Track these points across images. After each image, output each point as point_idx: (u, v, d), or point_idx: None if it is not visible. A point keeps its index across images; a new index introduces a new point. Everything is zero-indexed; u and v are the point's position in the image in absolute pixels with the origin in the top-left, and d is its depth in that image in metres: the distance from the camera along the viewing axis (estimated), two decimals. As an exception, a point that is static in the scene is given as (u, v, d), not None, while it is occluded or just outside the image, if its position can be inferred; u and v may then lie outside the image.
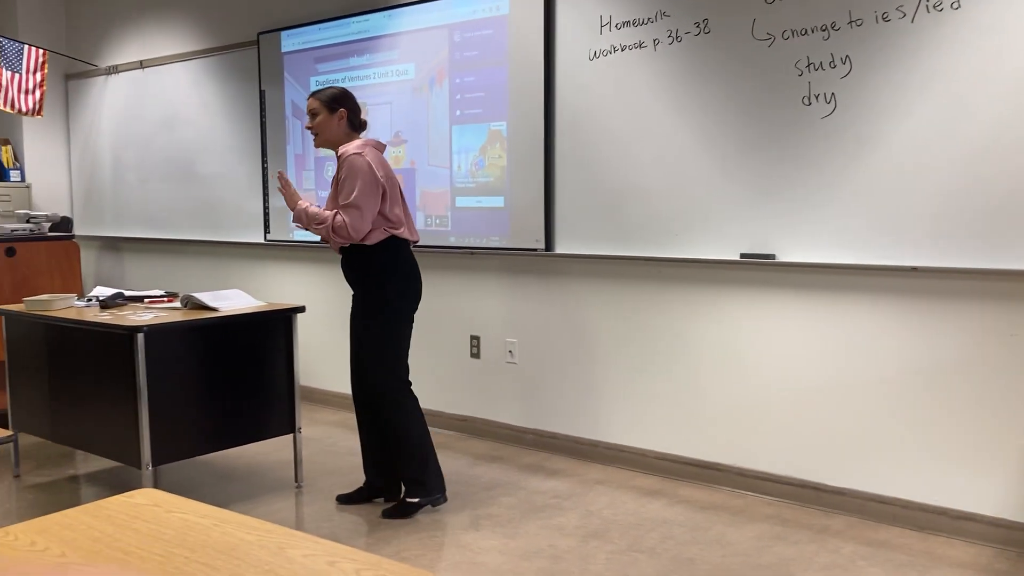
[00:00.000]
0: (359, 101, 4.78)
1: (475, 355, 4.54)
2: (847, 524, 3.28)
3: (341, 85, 4.86)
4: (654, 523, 3.32)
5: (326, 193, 5.00)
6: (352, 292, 3.47)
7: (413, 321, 3.49)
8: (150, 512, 1.40)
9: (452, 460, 4.13)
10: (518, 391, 4.39)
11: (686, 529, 3.26)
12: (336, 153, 3.42)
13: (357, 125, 3.48)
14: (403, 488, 3.49)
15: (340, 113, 3.41)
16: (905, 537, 3.16)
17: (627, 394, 4.00)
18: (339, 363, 5.18)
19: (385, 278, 3.37)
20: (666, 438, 3.89)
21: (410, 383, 3.50)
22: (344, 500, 3.58)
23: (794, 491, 3.52)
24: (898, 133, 3.16)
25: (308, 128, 3.45)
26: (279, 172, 3.51)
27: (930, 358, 3.20)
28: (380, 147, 3.47)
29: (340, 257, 3.49)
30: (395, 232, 3.37)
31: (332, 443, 4.45)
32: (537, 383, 4.31)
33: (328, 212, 3.33)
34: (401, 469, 3.46)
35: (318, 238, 5.02)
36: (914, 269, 3.18)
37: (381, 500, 3.60)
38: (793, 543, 3.12)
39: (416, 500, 3.43)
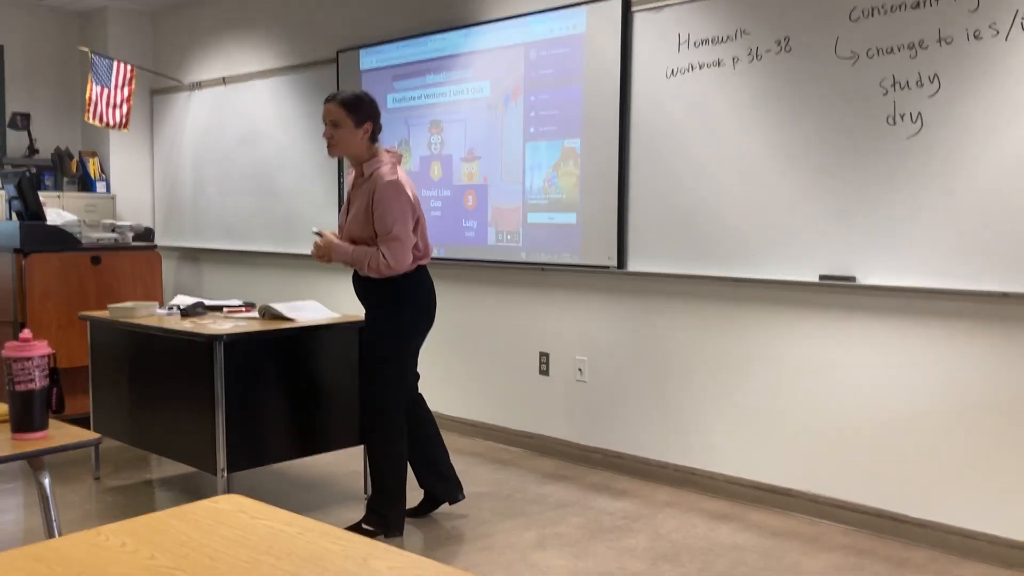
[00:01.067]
0: (435, 118, 4.85)
1: (544, 372, 4.52)
2: (929, 558, 3.17)
3: (416, 103, 4.91)
4: (725, 548, 3.25)
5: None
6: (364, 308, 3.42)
7: (422, 343, 3.44)
8: (235, 518, 1.42)
9: (518, 478, 4.11)
10: (586, 409, 4.36)
11: (758, 555, 3.19)
12: (360, 166, 3.27)
13: (376, 133, 3.31)
14: (366, 512, 3.37)
15: (366, 127, 3.24)
16: (991, 574, 3.03)
17: (698, 416, 3.94)
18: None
19: (403, 303, 3.30)
20: (737, 461, 3.81)
21: (422, 396, 3.56)
22: (411, 514, 3.56)
23: (871, 520, 3.42)
24: (987, 154, 3.06)
25: (325, 136, 3.24)
26: (322, 234, 3.33)
27: (1018, 387, 3.07)
28: (399, 159, 3.35)
29: (353, 276, 3.41)
30: (421, 262, 3.33)
31: (400, 456, 4.47)
32: (606, 402, 4.28)
33: (365, 249, 3.21)
34: (371, 498, 3.37)
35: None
36: (1004, 295, 3.06)
37: (446, 505, 3.62)
38: (871, 575, 3.02)
39: (372, 530, 3.29)
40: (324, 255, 3.31)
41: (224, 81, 6.33)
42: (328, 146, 3.27)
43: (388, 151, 3.36)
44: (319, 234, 3.34)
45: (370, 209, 3.19)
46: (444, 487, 3.60)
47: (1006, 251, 3.04)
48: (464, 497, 3.65)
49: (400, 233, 3.17)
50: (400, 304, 3.29)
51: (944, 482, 3.24)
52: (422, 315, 3.38)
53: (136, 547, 1.29)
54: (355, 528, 3.30)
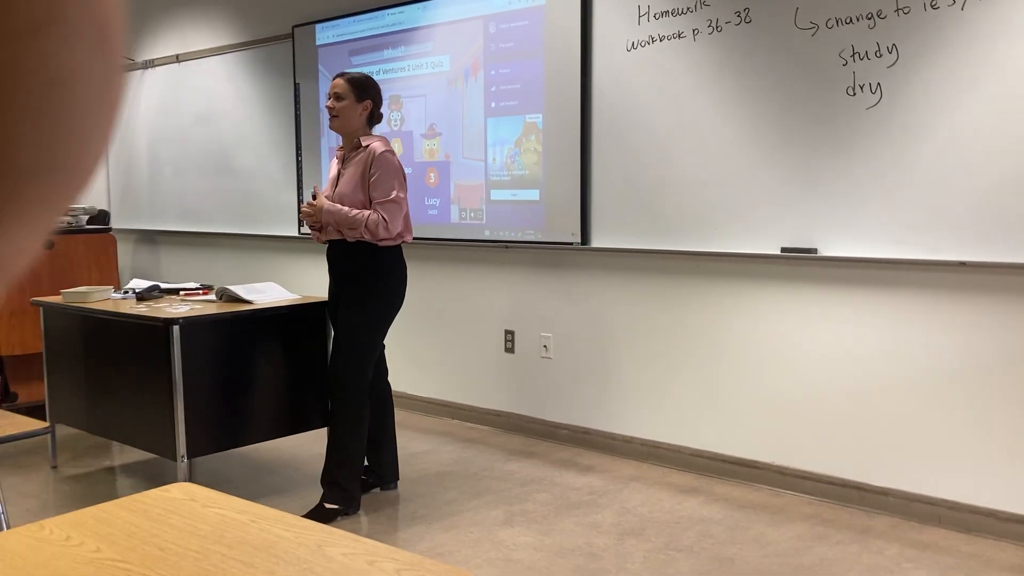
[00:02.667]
0: (395, 94, 4.78)
1: (509, 350, 4.50)
2: (891, 525, 3.20)
3: (375, 78, 4.84)
4: (691, 521, 3.27)
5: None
6: (336, 283, 3.44)
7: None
8: (186, 507, 1.37)
9: (485, 456, 4.10)
10: (552, 386, 4.35)
11: (724, 528, 3.20)
12: (353, 142, 3.37)
13: (375, 120, 3.43)
14: (324, 489, 3.37)
15: (366, 104, 3.36)
16: (952, 539, 3.08)
17: (664, 390, 3.94)
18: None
19: (393, 280, 3.38)
20: (703, 435, 3.83)
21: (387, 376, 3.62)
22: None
23: (836, 490, 3.45)
24: (946, 124, 3.07)
25: (329, 108, 3.35)
26: (315, 196, 3.35)
27: (978, 355, 3.11)
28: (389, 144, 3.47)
29: (329, 249, 3.44)
30: (404, 239, 3.40)
31: (365, 437, 4.44)
32: (572, 378, 4.27)
33: (360, 211, 3.27)
34: (333, 471, 3.35)
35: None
36: (962, 264, 3.08)
37: (377, 490, 3.63)
38: (835, 544, 3.05)
39: (337, 508, 3.33)
40: (315, 218, 3.32)
41: (178, 59, 6.19)
42: (330, 117, 3.38)
43: (384, 138, 3.44)
44: (313, 196, 3.34)
45: (366, 176, 3.29)
46: (388, 470, 3.63)
47: (963, 221, 3.06)
48: (396, 487, 3.63)
49: (398, 198, 3.30)
50: (384, 280, 3.36)
51: (905, 450, 3.28)
52: (401, 293, 3.45)
53: (81, 540, 1.24)
54: (317, 510, 3.29)
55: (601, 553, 2.99)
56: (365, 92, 3.37)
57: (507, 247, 4.41)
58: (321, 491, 3.37)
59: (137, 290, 3.81)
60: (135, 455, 4.22)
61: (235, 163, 5.86)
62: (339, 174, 3.41)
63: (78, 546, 1.22)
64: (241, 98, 5.76)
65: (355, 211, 3.28)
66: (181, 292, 3.90)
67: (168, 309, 3.45)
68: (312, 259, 5.50)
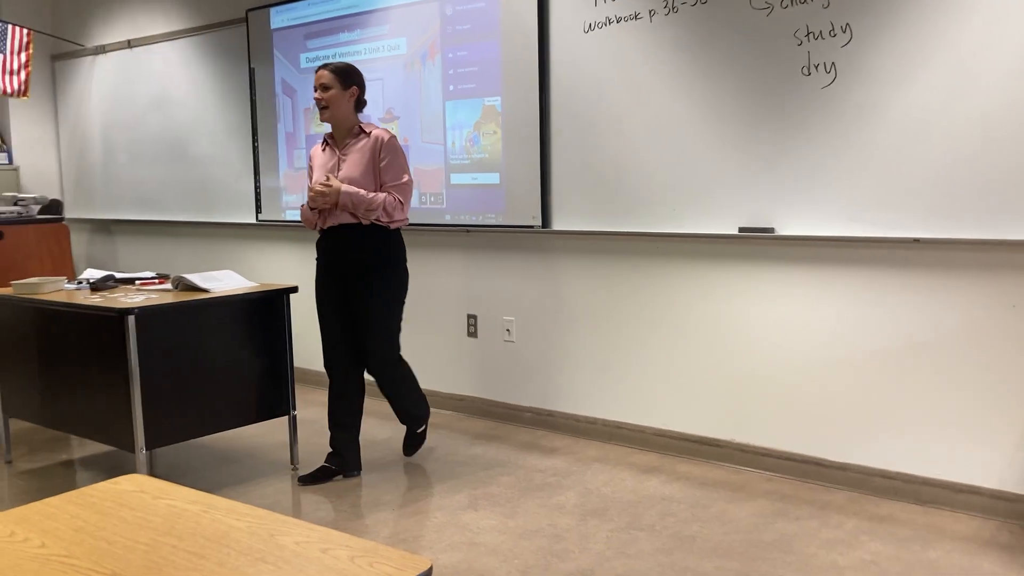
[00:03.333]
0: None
1: (472, 334, 4.49)
2: (849, 499, 3.26)
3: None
4: (653, 500, 3.29)
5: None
6: (340, 270, 3.51)
7: None
8: (136, 499, 1.35)
9: (449, 440, 4.09)
10: (516, 369, 4.35)
11: (686, 506, 3.23)
12: (352, 129, 3.49)
13: (361, 106, 3.56)
14: (408, 425, 3.83)
15: (352, 91, 3.49)
16: (908, 511, 3.13)
17: (625, 371, 3.96)
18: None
19: (403, 259, 3.57)
20: (664, 414, 3.85)
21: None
22: (307, 481, 3.57)
23: (795, 466, 3.49)
24: (900, 102, 3.10)
25: (317, 100, 3.46)
26: (328, 177, 3.42)
27: (932, 330, 3.16)
28: None
29: (330, 237, 3.51)
30: (406, 223, 3.57)
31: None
32: (535, 361, 4.27)
33: (375, 193, 3.41)
34: (408, 409, 3.76)
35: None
36: (916, 241, 3.13)
37: (340, 478, 3.62)
38: (795, 519, 3.09)
39: (423, 429, 3.85)
40: (329, 199, 3.40)
41: (129, 44, 6.06)
42: (320, 109, 3.48)
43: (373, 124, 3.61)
44: (327, 184, 3.40)
45: (375, 161, 3.45)
46: (353, 458, 3.66)
47: (917, 198, 3.10)
48: (359, 475, 3.65)
49: (409, 181, 3.51)
50: (396, 260, 3.55)
51: (862, 425, 3.33)
52: (407, 270, 3.63)
53: (26, 535, 1.22)
54: (410, 441, 3.83)
55: (564, 534, 3.00)
56: (350, 79, 3.48)
57: (468, 231, 4.39)
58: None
59: (91, 280, 3.74)
60: (94, 448, 4.16)
61: (191, 150, 5.76)
62: (339, 161, 3.49)
63: (23, 542, 1.20)
64: (196, 84, 5.66)
65: (371, 193, 3.41)
66: (137, 282, 3.84)
67: (123, 299, 3.39)
68: (271, 246, 5.44)
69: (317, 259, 3.61)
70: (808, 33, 3.26)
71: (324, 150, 3.58)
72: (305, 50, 4.93)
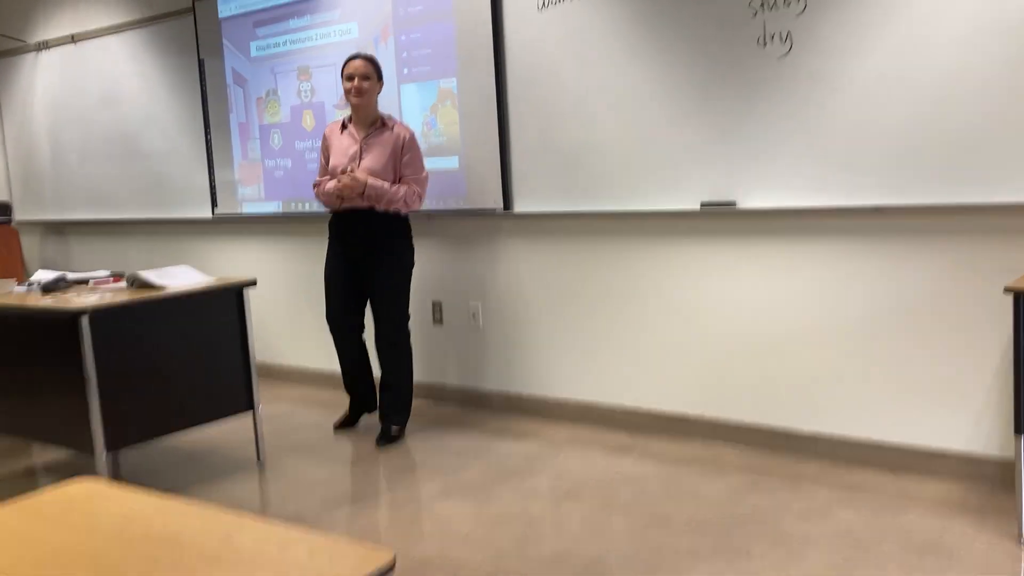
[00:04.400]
0: (303, 64, 4.63)
1: (438, 320, 4.44)
2: (820, 469, 3.26)
3: (281, 49, 4.69)
4: (626, 480, 3.27)
5: (274, 163, 4.84)
6: (355, 248, 3.80)
7: None
8: (85, 504, 1.29)
9: (419, 429, 4.04)
10: (484, 355, 4.31)
11: (659, 483, 3.22)
12: (374, 120, 3.77)
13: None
14: (386, 419, 3.90)
15: (380, 83, 3.81)
16: (879, 478, 3.15)
17: (593, 351, 3.93)
18: (297, 337, 5.05)
19: (410, 239, 3.89)
20: (634, 393, 3.84)
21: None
22: (340, 426, 4.08)
23: (765, 439, 3.49)
24: (856, 71, 3.09)
25: (356, 88, 3.68)
26: (351, 170, 3.67)
27: (896, 297, 3.16)
28: None
29: (345, 219, 3.78)
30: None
31: (294, 419, 4.34)
32: (502, 346, 4.23)
33: (397, 186, 3.71)
34: (395, 401, 3.89)
35: (269, 211, 4.87)
36: (877, 209, 3.13)
37: (365, 414, 4.11)
38: (767, 491, 3.09)
39: (401, 429, 3.91)
40: (356, 190, 3.63)
41: (73, 39, 5.90)
42: (358, 95, 3.71)
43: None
44: (349, 172, 3.65)
45: (397, 156, 3.73)
46: (370, 400, 4.09)
47: (876, 166, 3.10)
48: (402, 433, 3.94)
49: (427, 176, 3.85)
50: (407, 239, 3.87)
51: (831, 395, 3.33)
52: (414, 250, 3.94)
53: (-33, 548, 1.16)
54: (385, 437, 3.82)
55: (539, 518, 2.97)
56: (380, 72, 3.81)
57: (429, 217, 4.33)
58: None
59: (42, 282, 3.63)
60: (56, 454, 4.05)
61: (142, 145, 5.63)
62: (360, 149, 3.75)
63: (-37, 555, 1.14)
64: (144, 77, 5.52)
65: (394, 186, 3.70)
66: (91, 281, 3.73)
67: (76, 300, 3.29)
68: (229, 240, 5.34)
69: (330, 237, 3.91)
70: (763, 4, 3.24)
71: (342, 133, 3.83)
72: (255, 38, 4.82)
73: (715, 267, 3.54)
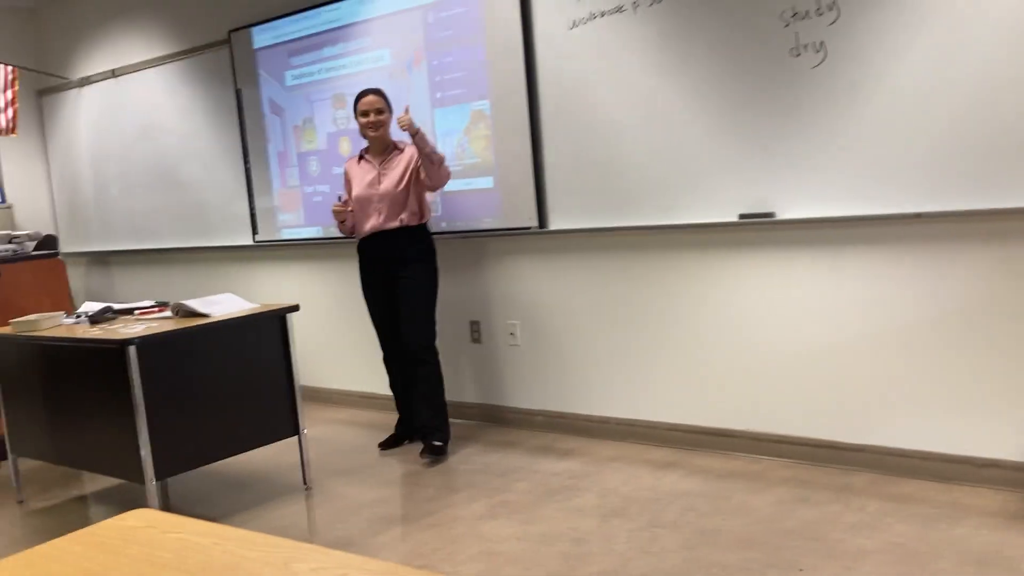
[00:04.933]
0: (338, 92, 4.70)
1: (476, 340, 4.46)
2: (869, 481, 3.22)
3: (316, 77, 4.76)
4: (672, 496, 3.25)
5: (312, 189, 4.91)
6: (385, 266, 3.96)
7: None
8: (145, 534, 1.31)
9: (461, 449, 4.06)
10: (524, 373, 4.31)
11: (706, 499, 3.19)
12: (389, 146, 3.97)
13: None
14: (430, 435, 3.97)
15: (391, 114, 3.97)
16: (928, 490, 3.09)
17: (633, 367, 3.92)
18: (340, 360, 5.10)
19: (435, 252, 4.03)
20: (677, 409, 3.81)
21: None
22: (385, 446, 4.18)
23: (811, 451, 3.45)
24: (891, 78, 3.07)
25: (373, 123, 3.87)
26: (408, 118, 3.75)
27: (939, 305, 3.12)
28: None
29: (371, 240, 3.95)
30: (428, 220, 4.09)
31: (339, 442, 4.38)
32: (542, 364, 4.24)
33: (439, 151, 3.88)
34: (434, 415, 3.98)
35: (309, 235, 4.94)
36: (917, 216, 3.09)
37: (407, 440, 4.21)
38: (816, 504, 3.05)
39: (444, 444, 3.97)
40: (411, 128, 3.74)
41: (114, 73, 6.04)
42: (375, 129, 3.91)
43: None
44: (405, 115, 3.76)
45: (412, 166, 3.89)
46: (413, 428, 4.19)
47: (915, 172, 3.06)
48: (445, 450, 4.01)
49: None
50: (432, 253, 4.02)
51: (876, 405, 3.29)
52: (438, 265, 4.10)
53: (34, 581, 1.18)
54: (431, 451, 3.91)
55: (586, 537, 2.96)
56: (390, 103, 3.98)
57: (465, 237, 4.36)
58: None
59: (89, 313, 3.71)
60: (106, 482, 4.12)
61: (182, 176, 5.74)
62: (379, 175, 3.92)
63: (31, 588, 1.16)
64: (183, 109, 5.63)
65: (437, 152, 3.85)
66: (136, 311, 3.80)
67: (123, 330, 3.36)
68: (270, 266, 5.41)
69: (360, 262, 4.06)
70: (794, 14, 3.23)
71: (360, 163, 4.01)
72: (289, 67, 4.90)
73: (755, 278, 3.52)
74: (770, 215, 3.40)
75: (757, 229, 3.48)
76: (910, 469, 3.23)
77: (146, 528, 1.34)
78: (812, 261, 3.37)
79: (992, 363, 3.04)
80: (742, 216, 3.47)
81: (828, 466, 3.40)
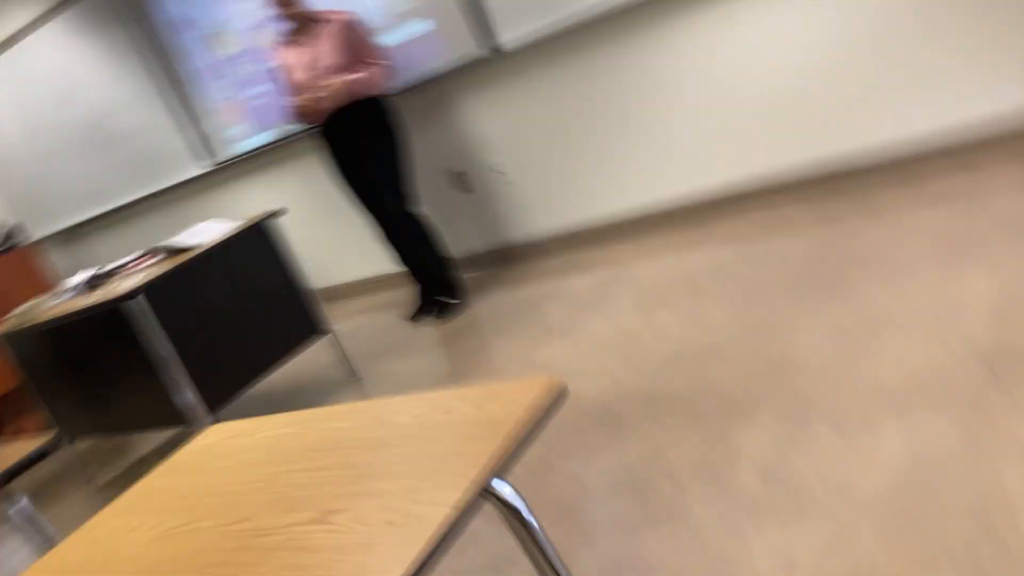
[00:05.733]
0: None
1: (467, 190, 4.34)
2: (892, 196, 3.17)
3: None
4: (708, 272, 3.23)
5: (253, 91, 4.67)
6: (347, 144, 3.77)
7: None
8: (230, 444, 1.27)
9: (485, 297, 4.02)
10: (525, 205, 4.22)
11: (742, 262, 3.16)
12: (311, 16, 3.70)
13: None
14: (434, 294, 4.00)
15: None
16: (955, 183, 3.04)
17: (633, 153, 3.82)
18: (341, 253, 5.01)
19: (398, 123, 3.83)
20: (681, 185, 3.74)
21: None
22: (414, 318, 4.11)
23: (828, 186, 3.40)
24: None
25: (280, 3, 3.64)
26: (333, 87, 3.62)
27: (923, -7, 2.98)
28: None
29: (329, 122, 3.73)
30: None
31: (370, 328, 4.35)
32: (540, 189, 4.14)
33: (360, 75, 3.63)
34: (433, 274, 3.97)
35: (265, 141, 4.75)
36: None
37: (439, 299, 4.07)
38: (852, 233, 3.01)
39: (457, 301, 3.99)
40: (330, 99, 3.64)
41: (6, 46, 5.66)
42: (287, 7, 3.67)
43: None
44: (324, 88, 3.64)
45: (347, 42, 3.67)
46: (434, 287, 4.05)
47: None
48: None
49: (386, 51, 3.87)
50: (389, 118, 3.79)
51: (875, 106, 3.21)
52: (405, 132, 4.03)
53: (140, 520, 1.14)
54: (436, 307, 3.96)
55: (638, 335, 2.95)
56: None
57: (423, 92, 4.17)
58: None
59: (80, 284, 3.59)
60: (158, 439, 4.13)
61: (115, 128, 5.46)
62: (313, 52, 3.68)
63: (137, 528, 1.12)
64: (90, 60, 5.30)
65: (358, 76, 3.64)
66: (127, 266, 3.69)
67: (123, 285, 3.26)
68: (238, 186, 5.24)
69: (326, 148, 3.86)
70: None
71: (289, 48, 3.76)
72: (183, -27, 4.56)
73: (716, 25, 3.37)
74: (724, -42, 3.20)
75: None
76: (930, 168, 3.18)
77: (228, 439, 1.29)
78: (779, -7, 3.21)
79: (987, 18, 2.93)
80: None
81: (849, 195, 3.35)
